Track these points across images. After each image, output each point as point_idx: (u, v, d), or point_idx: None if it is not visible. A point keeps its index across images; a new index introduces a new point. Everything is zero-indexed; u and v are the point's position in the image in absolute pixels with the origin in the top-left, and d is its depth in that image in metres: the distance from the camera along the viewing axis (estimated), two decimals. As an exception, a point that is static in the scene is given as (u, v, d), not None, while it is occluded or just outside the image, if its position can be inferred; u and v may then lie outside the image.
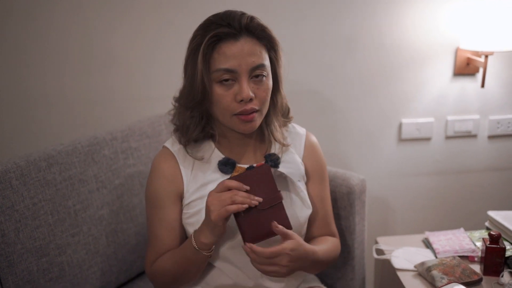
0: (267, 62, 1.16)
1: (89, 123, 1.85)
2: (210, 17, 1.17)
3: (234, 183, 1.08)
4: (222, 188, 1.09)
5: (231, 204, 1.06)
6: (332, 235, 1.40)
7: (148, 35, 1.80)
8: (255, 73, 1.13)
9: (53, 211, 1.35)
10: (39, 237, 1.31)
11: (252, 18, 1.14)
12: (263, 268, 1.10)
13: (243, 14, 1.15)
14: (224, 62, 1.11)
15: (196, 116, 1.20)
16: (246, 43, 1.12)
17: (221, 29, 1.10)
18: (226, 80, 1.12)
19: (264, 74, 1.15)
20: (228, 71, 1.11)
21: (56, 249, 1.35)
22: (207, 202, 1.09)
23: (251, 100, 1.13)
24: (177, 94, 1.26)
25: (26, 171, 1.29)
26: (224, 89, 1.13)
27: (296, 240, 1.11)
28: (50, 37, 1.75)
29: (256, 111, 1.16)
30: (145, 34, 1.80)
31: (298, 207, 1.26)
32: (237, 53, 1.10)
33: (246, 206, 1.06)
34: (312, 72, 1.92)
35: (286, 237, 1.10)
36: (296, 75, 1.88)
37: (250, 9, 1.23)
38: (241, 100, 1.12)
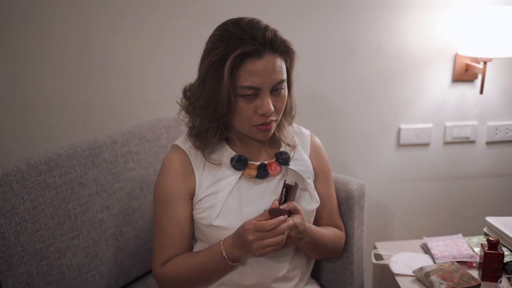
0: (285, 76, 1.19)
1: (88, 127, 1.85)
2: (229, 25, 1.15)
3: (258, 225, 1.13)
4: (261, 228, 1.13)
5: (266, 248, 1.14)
6: (338, 228, 1.47)
7: (148, 39, 1.81)
8: (276, 88, 1.17)
9: (53, 214, 1.35)
10: (39, 240, 1.31)
11: (275, 33, 1.15)
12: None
13: (266, 27, 1.15)
14: (249, 80, 1.13)
15: (215, 125, 1.22)
16: (269, 60, 1.14)
17: (246, 46, 1.10)
18: (249, 95, 1.15)
19: (283, 87, 1.19)
20: (252, 88, 1.14)
21: (55, 252, 1.35)
22: (245, 231, 1.14)
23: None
24: (180, 95, 1.27)
25: (26, 174, 1.29)
26: (246, 102, 1.16)
27: (302, 215, 1.20)
28: (49, 41, 1.76)
29: (274, 121, 1.21)
30: (145, 38, 1.80)
31: (307, 201, 1.31)
32: (261, 70, 1.13)
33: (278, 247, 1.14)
34: (312, 77, 1.93)
35: (296, 212, 1.19)
36: (296, 79, 1.89)
37: (250, 14, 1.24)
38: (263, 114, 1.16)
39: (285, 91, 1.21)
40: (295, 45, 1.22)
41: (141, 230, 1.59)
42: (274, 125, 1.22)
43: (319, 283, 1.56)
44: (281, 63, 1.17)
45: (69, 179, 1.40)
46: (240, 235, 1.16)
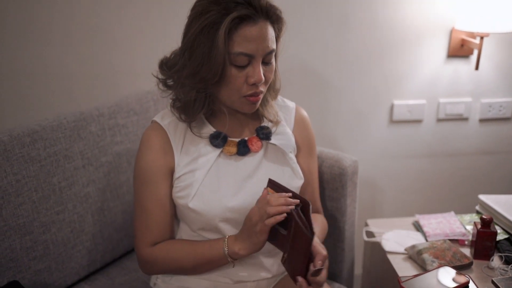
0: (275, 45, 1.15)
1: (73, 98, 1.80)
2: None
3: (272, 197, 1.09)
4: (262, 201, 1.10)
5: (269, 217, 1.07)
6: (318, 211, 1.42)
7: (137, 8, 1.74)
8: (267, 58, 1.13)
9: (37, 188, 1.31)
10: (23, 215, 1.27)
11: (268, 0, 1.11)
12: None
13: None
14: (244, 46, 1.08)
15: (203, 95, 1.17)
16: (263, 27, 1.09)
17: (241, 9, 1.06)
18: (242, 65, 1.10)
19: (273, 57, 1.15)
20: (247, 55, 1.09)
21: (40, 227, 1.32)
22: (249, 214, 1.11)
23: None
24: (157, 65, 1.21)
25: (9, 147, 1.24)
26: (238, 70, 1.11)
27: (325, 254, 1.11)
28: (34, 7, 1.69)
29: (262, 92, 1.16)
30: (134, 6, 1.74)
31: (290, 177, 1.26)
32: (256, 36, 1.08)
33: (283, 216, 1.06)
34: (305, 50, 1.88)
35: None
36: (288, 52, 1.82)
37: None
38: (253, 83, 1.12)
39: (273, 62, 1.17)
40: (286, 15, 1.18)
41: (129, 204, 1.56)
42: (261, 97, 1.18)
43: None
44: (272, 32, 1.13)
45: (54, 151, 1.35)
46: (245, 223, 1.13)
